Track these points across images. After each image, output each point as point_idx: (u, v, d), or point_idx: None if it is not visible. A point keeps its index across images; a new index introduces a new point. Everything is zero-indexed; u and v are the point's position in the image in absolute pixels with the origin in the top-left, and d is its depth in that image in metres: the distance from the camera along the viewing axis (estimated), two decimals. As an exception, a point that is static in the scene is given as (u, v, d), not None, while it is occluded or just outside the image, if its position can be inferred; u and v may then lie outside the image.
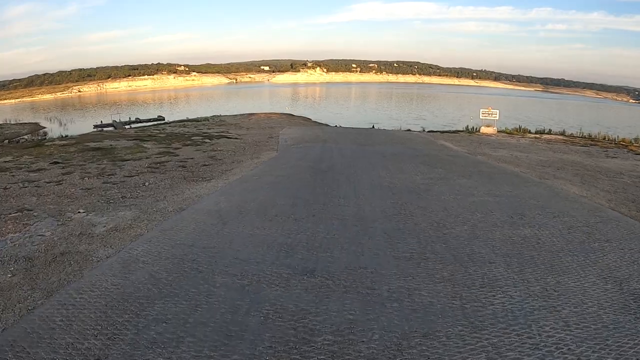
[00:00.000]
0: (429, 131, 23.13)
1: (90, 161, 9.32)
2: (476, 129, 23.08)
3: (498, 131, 20.86)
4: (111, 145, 12.00)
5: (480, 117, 21.35)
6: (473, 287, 2.79)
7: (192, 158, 9.19)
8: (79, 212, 5.03)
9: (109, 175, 7.40)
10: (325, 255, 3.14)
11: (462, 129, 23.69)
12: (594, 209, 5.61)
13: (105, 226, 4.28)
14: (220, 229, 3.74)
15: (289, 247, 3.28)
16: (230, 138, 13.71)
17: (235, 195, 5.05)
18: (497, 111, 21.75)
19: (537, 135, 20.83)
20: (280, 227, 3.81)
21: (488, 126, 21.07)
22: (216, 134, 15.54)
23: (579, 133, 21.91)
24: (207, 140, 12.71)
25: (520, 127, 23.24)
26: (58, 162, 9.24)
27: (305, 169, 6.97)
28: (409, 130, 23.78)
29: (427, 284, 2.74)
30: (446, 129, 27.25)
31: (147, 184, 6.37)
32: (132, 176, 7.15)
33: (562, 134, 21.98)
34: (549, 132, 22.48)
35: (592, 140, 19.04)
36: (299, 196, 4.97)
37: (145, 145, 11.90)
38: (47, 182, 7.00)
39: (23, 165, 8.90)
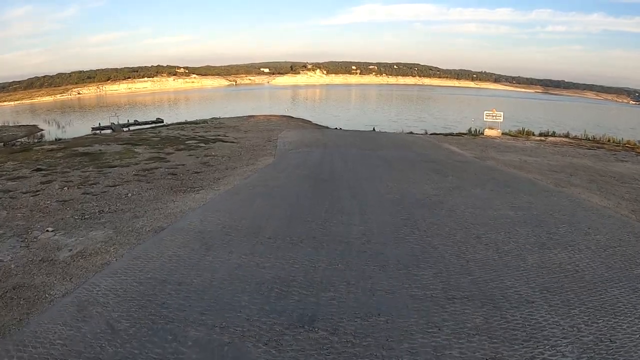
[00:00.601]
0: (431, 134, 22.59)
1: (75, 168, 8.73)
2: (479, 131, 22.58)
3: (502, 134, 20.35)
4: (100, 150, 11.42)
5: (485, 119, 20.86)
6: (515, 342, 2.20)
7: (183, 164, 8.60)
8: (47, 230, 4.43)
9: (91, 184, 6.81)
10: (328, 295, 2.55)
11: (465, 132, 23.21)
12: (623, 224, 5.03)
13: (71, 250, 3.69)
14: (202, 257, 3.14)
15: (283, 284, 2.68)
16: (227, 142, 13.12)
17: (223, 210, 4.45)
18: (502, 113, 21.24)
19: (542, 138, 20.39)
20: (274, 253, 3.21)
21: (491, 128, 20.57)
22: (212, 137, 14.97)
23: (584, 135, 21.68)
24: (202, 145, 12.12)
25: (523, 129, 22.81)
26: (41, 169, 8.65)
27: (304, 177, 6.37)
28: (411, 132, 23.25)
29: (457, 339, 2.15)
30: (447, 131, 26.73)
31: (129, 195, 5.77)
32: (116, 185, 6.55)
33: (567, 136, 21.67)
34: (553, 135, 22.10)
35: (597, 143, 18.61)
36: (297, 212, 4.37)
37: (136, 149, 11.32)
38: (24, 193, 6.41)
39: (4, 173, 8.32)
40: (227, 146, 11.91)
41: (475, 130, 23.47)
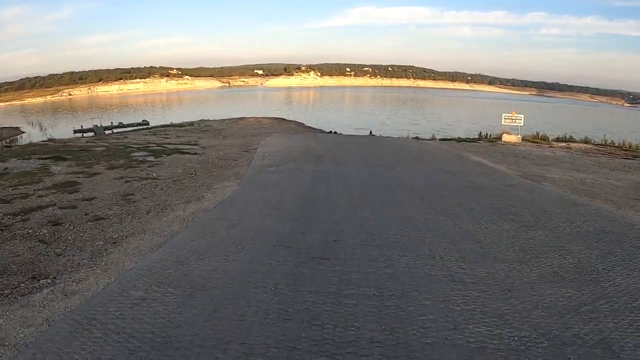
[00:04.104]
0: (440, 139, 19.60)
1: None
2: (490, 135, 19.93)
3: (522, 139, 17.65)
4: (7, 168, 8.22)
5: (503, 122, 18.18)
6: None
7: (93, 197, 5.44)
8: None
9: None
10: None
11: (476, 136, 20.45)
12: None
13: None
14: None
15: None
16: (187, 153, 9.94)
17: None
18: (522, 116, 18.50)
19: (566, 145, 17.86)
20: None
21: (509, 133, 17.82)
22: (174, 146, 11.78)
23: (603, 140, 19.65)
24: (150, 158, 8.93)
25: (538, 134, 20.32)
26: None
27: (276, 248, 3.10)
28: (417, 137, 20.29)
29: None
30: (443, 134, 23.89)
31: None
32: None
33: (587, 142, 19.42)
34: (571, 140, 19.71)
35: (629, 151, 16.34)
36: None
37: (54, 168, 8.12)
38: None
39: None
40: (184, 161, 8.73)
41: (487, 134, 20.82)
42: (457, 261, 2.95)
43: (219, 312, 2.18)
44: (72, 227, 4.23)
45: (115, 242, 3.58)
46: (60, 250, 3.52)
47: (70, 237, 3.88)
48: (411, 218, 4.12)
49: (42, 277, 2.95)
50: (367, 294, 2.41)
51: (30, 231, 4.21)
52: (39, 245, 3.71)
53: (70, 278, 2.87)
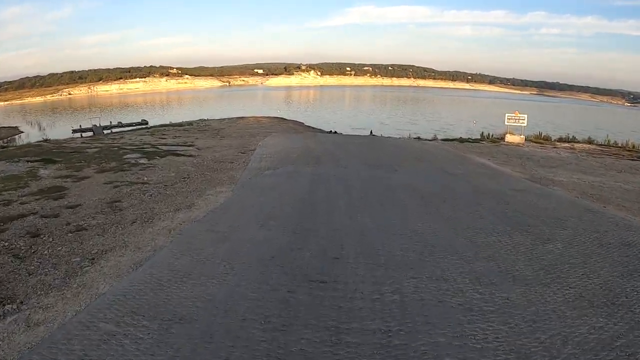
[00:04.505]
0: (442, 139, 19.30)
1: None
2: (492, 135, 19.65)
3: (525, 139, 17.36)
4: (-8, 171, 7.90)
5: (506, 122, 17.90)
6: None
7: (77, 205, 5.13)
8: None
9: None
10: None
11: (478, 137, 20.16)
12: None
13: None
14: None
15: None
16: (182, 155, 9.62)
17: None
18: (525, 116, 18.17)
19: (570, 145, 17.60)
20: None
21: (512, 133, 17.52)
22: (168, 147, 11.44)
23: (606, 141, 19.46)
24: (143, 161, 8.61)
25: (540, 134, 20.09)
26: None
27: (267, 273, 2.73)
28: (418, 138, 19.96)
29: None
30: (443, 134, 23.61)
31: None
32: None
33: (590, 142, 19.24)
34: (574, 140, 19.48)
35: (635, 151, 16.07)
36: None
37: (43, 171, 7.80)
38: None
39: None
40: (178, 163, 8.42)
41: (489, 134, 20.56)
42: (472, 283, 2.63)
43: (197, 354, 1.87)
44: (50, 239, 3.91)
45: (93, 259, 3.26)
46: (33, 267, 3.20)
47: (46, 252, 3.56)
48: (417, 230, 3.80)
49: (8, 301, 2.64)
50: (372, 329, 2.09)
51: (6, 244, 3.90)
52: (12, 262, 3.40)
53: (37, 304, 2.55)
